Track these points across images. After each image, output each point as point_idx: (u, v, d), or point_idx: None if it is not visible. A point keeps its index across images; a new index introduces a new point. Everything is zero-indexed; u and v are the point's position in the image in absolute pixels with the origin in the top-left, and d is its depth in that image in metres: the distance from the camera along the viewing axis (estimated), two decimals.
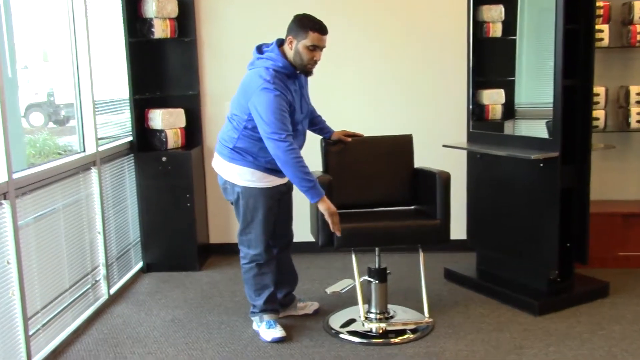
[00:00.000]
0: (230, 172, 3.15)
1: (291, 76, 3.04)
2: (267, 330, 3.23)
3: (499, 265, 3.85)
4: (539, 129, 3.85)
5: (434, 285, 3.91)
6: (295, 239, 4.38)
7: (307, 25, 2.96)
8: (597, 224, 3.88)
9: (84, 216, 3.58)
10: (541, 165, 3.44)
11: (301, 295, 3.74)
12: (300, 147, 3.19)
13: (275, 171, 3.06)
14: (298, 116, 3.08)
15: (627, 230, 4.12)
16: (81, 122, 3.70)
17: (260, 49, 3.10)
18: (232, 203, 3.24)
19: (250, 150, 3.07)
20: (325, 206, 3.00)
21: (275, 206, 3.18)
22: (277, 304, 3.37)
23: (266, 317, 3.28)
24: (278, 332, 3.22)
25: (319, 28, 2.97)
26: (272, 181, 3.12)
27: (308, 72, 3.08)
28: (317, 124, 3.47)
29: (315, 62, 3.02)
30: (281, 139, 2.89)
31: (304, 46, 2.97)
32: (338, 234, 3.08)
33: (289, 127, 2.94)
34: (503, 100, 4.11)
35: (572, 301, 3.56)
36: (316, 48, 2.98)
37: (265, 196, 3.12)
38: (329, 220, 3.03)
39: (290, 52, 3.01)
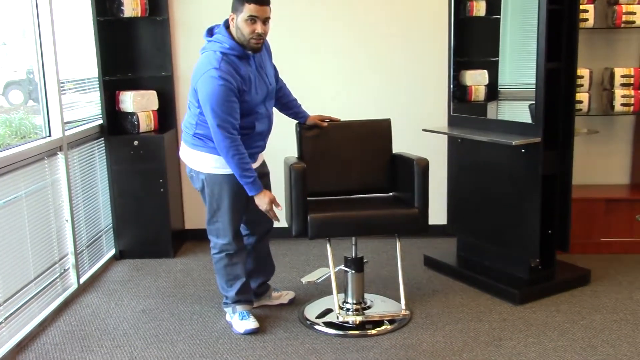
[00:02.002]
0: (194, 160, 3.05)
1: (243, 57, 2.87)
2: (240, 321, 3.14)
3: (480, 251, 3.77)
4: (522, 111, 3.75)
5: (413, 272, 3.83)
6: (273, 224, 4.29)
7: None
8: (579, 209, 3.81)
9: (50, 204, 3.44)
10: (523, 150, 3.35)
11: (278, 284, 3.65)
12: (268, 131, 3.08)
13: None
14: (254, 98, 2.92)
15: (609, 216, 4.05)
16: (46, 104, 3.54)
17: (211, 31, 2.95)
18: (199, 191, 3.12)
19: (210, 136, 2.93)
20: (259, 201, 2.97)
21: (242, 193, 3.03)
22: (251, 294, 3.27)
23: (239, 308, 3.18)
24: (251, 323, 3.12)
25: None
26: None
27: (254, 48, 2.86)
28: (291, 107, 3.33)
29: (258, 36, 2.81)
30: (222, 130, 2.80)
31: (242, 20, 2.79)
32: (277, 220, 3.08)
33: (233, 118, 2.82)
34: (486, 82, 3.99)
35: (553, 289, 3.50)
36: (256, 19, 2.79)
37: (231, 183, 2.99)
38: (269, 214, 3.01)
39: (234, 30, 2.84)
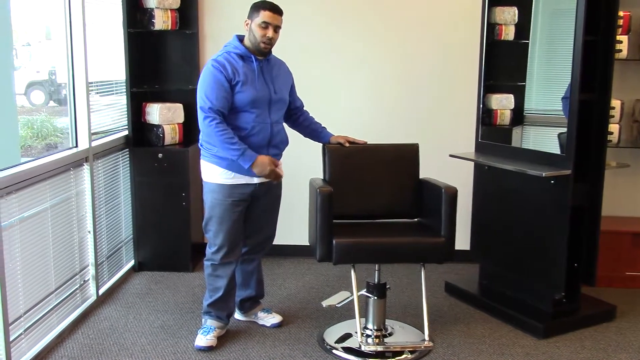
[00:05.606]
0: (202, 170, 3.16)
1: (245, 57, 3.03)
2: (199, 335, 3.17)
3: (503, 281, 3.71)
4: (548, 137, 3.71)
5: (434, 299, 3.78)
6: (293, 242, 4.27)
7: (260, 5, 3.03)
8: (605, 242, 3.72)
9: (73, 214, 3.44)
10: (552, 182, 3.29)
11: (297, 305, 3.63)
12: (267, 141, 3.05)
13: (240, 167, 2.96)
14: (251, 93, 2.98)
15: (636, 250, 3.98)
16: (74, 115, 3.54)
17: None
18: None
19: (207, 142, 3.04)
20: (258, 169, 2.94)
21: (234, 209, 3.08)
22: (224, 313, 3.24)
23: (209, 321, 3.22)
24: (204, 340, 3.14)
25: (270, 7, 3.02)
26: (234, 179, 3.04)
27: (262, 51, 3.03)
28: (307, 125, 3.36)
29: (269, 40, 3.00)
30: (206, 112, 2.92)
31: (256, 24, 3.01)
32: (279, 179, 3.07)
33: (220, 103, 2.93)
34: (512, 106, 3.96)
35: (577, 324, 3.43)
36: (268, 25, 2.99)
37: (223, 194, 3.05)
38: (270, 178, 2.99)
39: (247, 34, 3.05)
